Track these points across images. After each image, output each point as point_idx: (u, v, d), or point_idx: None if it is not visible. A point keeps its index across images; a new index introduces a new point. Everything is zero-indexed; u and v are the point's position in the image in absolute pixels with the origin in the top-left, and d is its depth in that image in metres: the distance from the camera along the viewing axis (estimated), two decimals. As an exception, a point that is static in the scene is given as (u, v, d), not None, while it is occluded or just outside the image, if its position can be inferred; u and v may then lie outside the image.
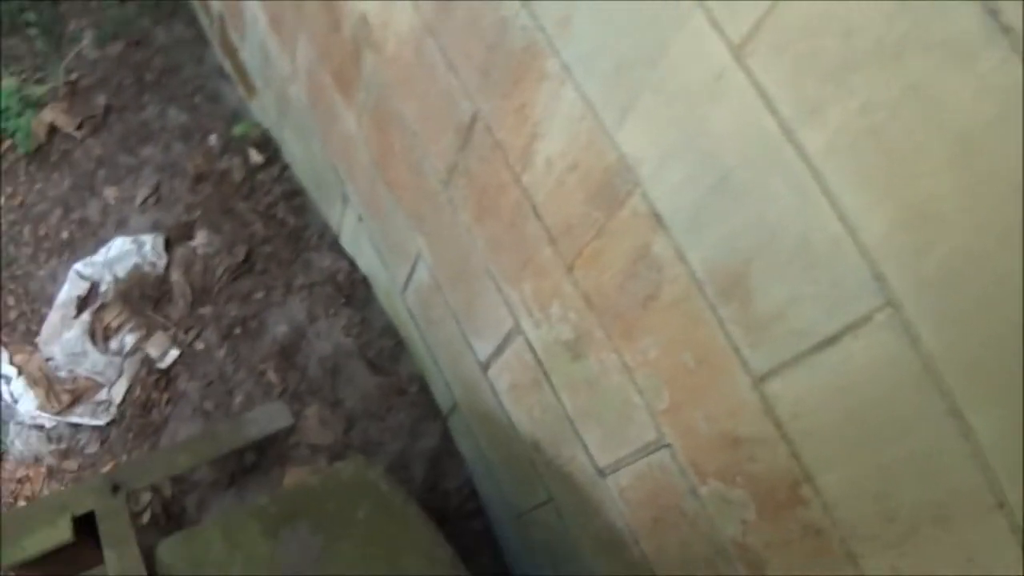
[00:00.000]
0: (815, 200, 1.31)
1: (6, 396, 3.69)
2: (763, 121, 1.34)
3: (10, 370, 3.72)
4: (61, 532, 2.80)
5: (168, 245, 3.87)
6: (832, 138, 1.25)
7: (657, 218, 1.68)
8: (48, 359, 3.72)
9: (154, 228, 3.94)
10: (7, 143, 4.18)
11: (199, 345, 3.69)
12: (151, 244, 3.83)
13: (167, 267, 3.81)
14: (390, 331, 3.63)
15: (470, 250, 2.54)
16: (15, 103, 4.08)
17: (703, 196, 1.53)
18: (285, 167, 3.99)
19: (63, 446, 3.63)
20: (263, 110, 3.96)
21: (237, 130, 4.07)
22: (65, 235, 4.03)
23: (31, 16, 4.36)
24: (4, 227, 4.06)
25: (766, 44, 1.29)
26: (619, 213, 1.80)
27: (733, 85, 1.37)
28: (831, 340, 1.39)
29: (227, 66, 4.22)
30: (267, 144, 4.04)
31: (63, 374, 3.70)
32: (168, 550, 2.66)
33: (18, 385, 3.69)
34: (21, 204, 4.12)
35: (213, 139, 4.09)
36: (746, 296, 1.53)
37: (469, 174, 2.36)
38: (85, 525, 2.84)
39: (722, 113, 1.42)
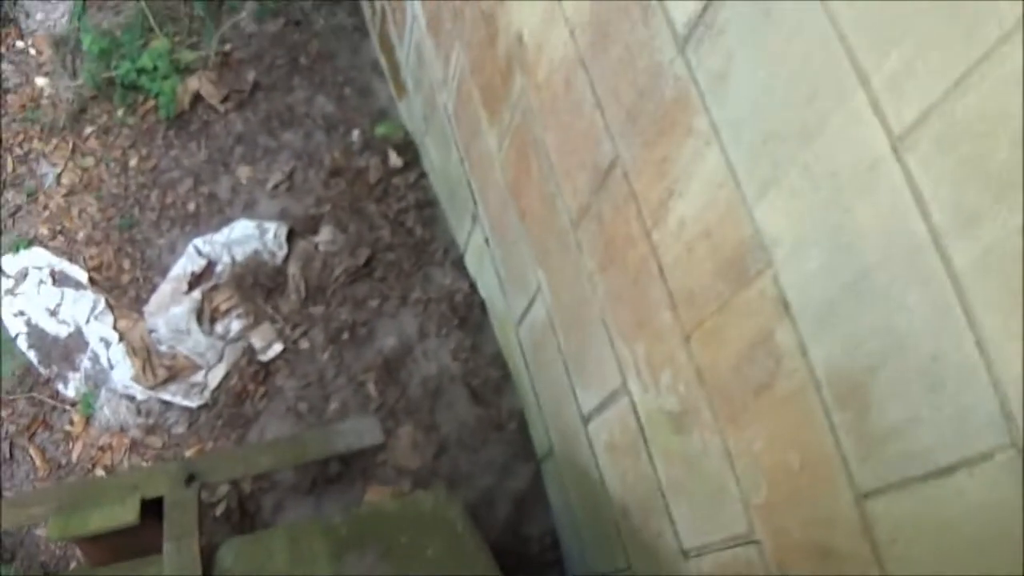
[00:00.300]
0: (953, 319, 1.20)
1: (103, 360, 3.67)
2: (912, 223, 1.23)
3: (112, 335, 3.70)
4: (128, 513, 2.77)
5: (291, 236, 3.79)
6: (983, 255, 1.13)
7: (785, 305, 1.57)
8: (151, 331, 3.69)
9: (281, 216, 3.87)
10: (150, 104, 4.14)
11: (304, 344, 3.61)
12: (274, 232, 3.76)
13: (286, 258, 3.74)
14: (498, 361, 3.50)
15: (590, 297, 2.41)
16: (164, 65, 4.03)
17: (836, 292, 1.42)
18: (422, 174, 3.87)
19: (151, 421, 3.60)
20: (410, 112, 3.84)
21: (380, 130, 3.96)
22: (191, 207, 3.99)
23: (196, -20, 4.29)
24: (133, 189, 4.05)
25: (928, 139, 1.17)
26: (746, 292, 1.67)
27: (886, 179, 1.26)
28: (945, 471, 1.28)
29: (382, 62, 4.11)
30: (408, 148, 3.92)
31: (163, 348, 3.66)
32: (230, 552, 2.61)
33: (117, 351, 3.66)
34: (153, 168, 4.10)
35: (355, 135, 4.00)
36: (864, 406, 1.42)
37: (600, 219, 2.23)
38: (153, 509, 2.80)
39: (869, 207, 1.31)
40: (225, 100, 4.11)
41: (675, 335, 1.98)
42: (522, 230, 2.79)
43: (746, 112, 1.53)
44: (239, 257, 3.76)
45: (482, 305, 3.59)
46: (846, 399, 1.46)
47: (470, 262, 3.62)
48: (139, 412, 3.62)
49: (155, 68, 4.03)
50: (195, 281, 3.77)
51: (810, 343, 1.53)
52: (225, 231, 3.82)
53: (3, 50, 4.38)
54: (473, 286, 3.63)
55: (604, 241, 2.23)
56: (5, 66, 4.33)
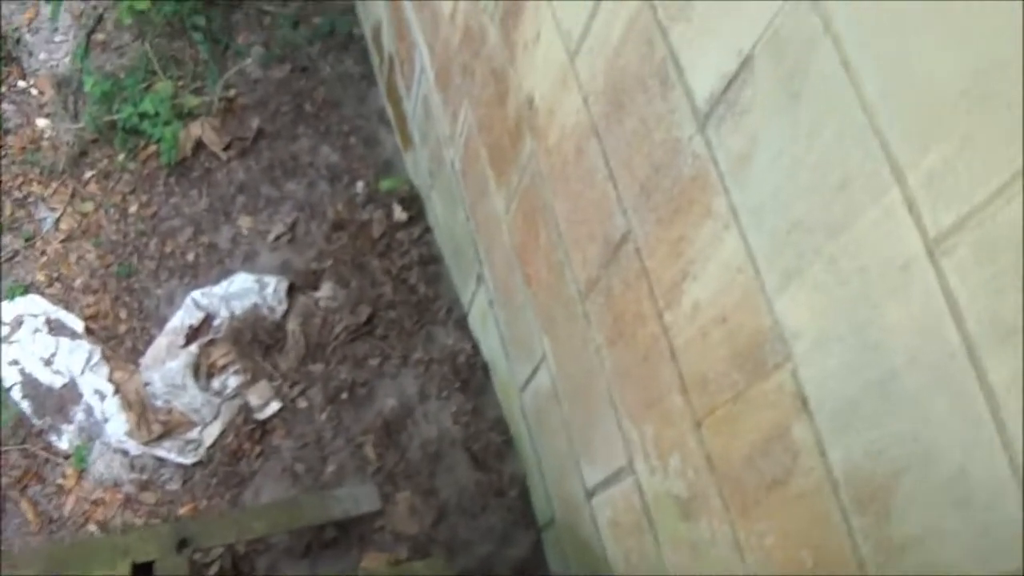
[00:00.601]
0: (985, 434, 1.11)
1: (97, 413, 3.58)
2: (945, 330, 1.15)
3: (107, 387, 3.60)
4: (117, 577, 2.65)
5: (291, 291, 3.70)
6: (1021, 373, 1.04)
7: (804, 401, 1.48)
8: (147, 384, 3.59)
9: (281, 269, 3.78)
10: (151, 149, 4.06)
11: (302, 403, 3.52)
12: (274, 287, 3.67)
13: (285, 314, 3.65)
14: (500, 426, 3.40)
15: (597, 371, 2.31)
16: (166, 110, 3.94)
17: (859, 392, 1.34)
18: (427, 230, 3.77)
19: (144, 477, 3.50)
20: (415, 165, 3.75)
21: (385, 184, 3.87)
22: (191, 257, 3.90)
23: (200, 21, 4.22)
24: (132, 236, 3.95)
25: (967, 246, 1.09)
26: (763, 384, 1.58)
27: (919, 281, 1.18)
28: (967, 588, 1.18)
29: (389, 111, 4.03)
30: (413, 202, 3.83)
31: (159, 403, 3.56)
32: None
33: (112, 404, 3.57)
34: (153, 215, 4.01)
35: (360, 186, 3.91)
36: (884, 512, 1.34)
37: (610, 293, 2.13)
38: (144, 573, 2.74)
39: (899, 308, 1.22)
40: (228, 147, 4.03)
41: (686, 420, 1.89)
42: (528, 296, 2.69)
43: (769, 198, 1.44)
44: (238, 311, 3.67)
45: (485, 367, 3.49)
46: (865, 503, 1.38)
47: (474, 322, 3.51)
48: (133, 467, 3.53)
49: (157, 113, 3.95)
50: (192, 335, 3.67)
51: (829, 442, 1.44)
52: (224, 284, 3.73)
53: (4, 90, 4.30)
54: (476, 347, 3.53)
55: (613, 316, 2.13)
56: (6, 106, 4.25)
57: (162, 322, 3.72)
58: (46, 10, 4.37)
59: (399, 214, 3.78)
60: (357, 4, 4.25)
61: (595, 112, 1.97)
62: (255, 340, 3.59)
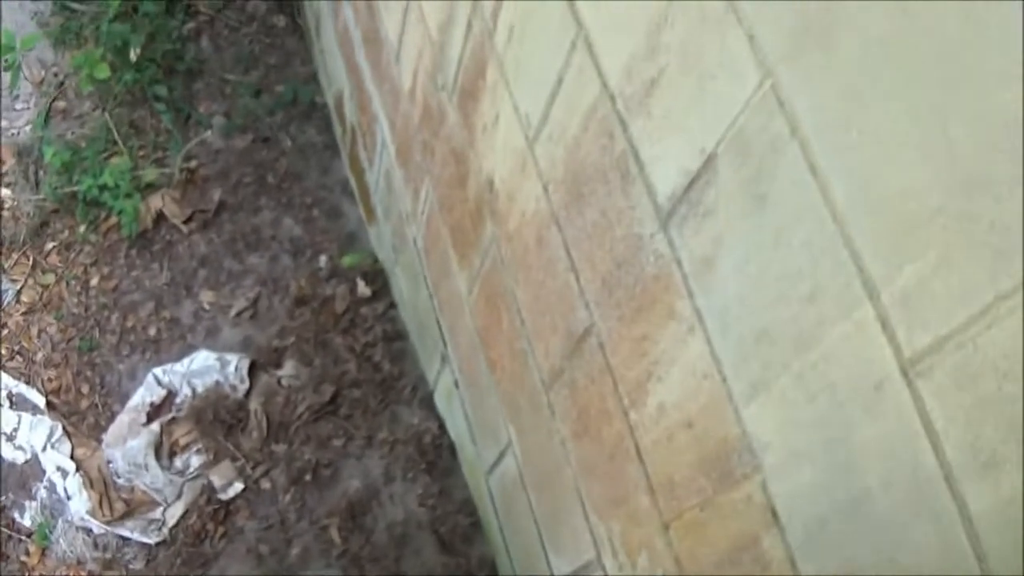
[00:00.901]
0: (967, 564, 1.03)
1: (60, 490, 3.49)
2: (921, 455, 1.07)
3: (69, 464, 3.52)
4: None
5: (253, 369, 3.61)
6: (1002, 505, 0.97)
7: (774, 514, 1.40)
8: (109, 462, 3.51)
9: (244, 346, 3.70)
10: (112, 220, 3.97)
11: (265, 484, 3.43)
12: (235, 365, 3.59)
13: (248, 393, 3.56)
14: (468, 508, 3.32)
15: (563, 463, 2.23)
16: (125, 183, 3.86)
17: (831, 510, 1.27)
18: (391, 305, 3.69)
19: (108, 555, 3.41)
20: (379, 239, 3.68)
21: (347, 260, 3.79)
22: (152, 332, 3.80)
23: (162, 90, 4.13)
24: (94, 309, 3.86)
25: (944, 370, 1.01)
26: (731, 493, 1.50)
27: (893, 402, 1.10)
28: None
29: (352, 183, 3.95)
30: (377, 276, 3.75)
31: (121, 481, 3.48)
32: None
33: (73, 482, 3.48)
34: (115, 288, 3.91)
35: (323, 260, 3.83)
36: None
37: (574, 386, 2.05)
38: None
39: (872, 428, 1.15)
40: (189, 220, 3.94)
41: (653, 520, 1.80)
42: (492, 381, 2.61)
43: (735, 304, 1.36)
44: (199, 389, 3.59)
45: (451, 447, 3.40)
46: (841, 619, 1.29)
47: (439, 401, 3.43)
48: (96, 546, 3.43)
49: (117, 185, 3.86)
50: (154, 412, 3.59)
51: (801, 558, 1.36)
52: (185, 362, 3.65)
53: None
54: (442, 427, 3.44)
55: (578, 410, 2.05)
56: None
57: (124, 398, 3.64)
58: (7, 77, 4.29)
59: (363, 289, 3.70)
60: (320, 72, 4.18)
61: (555, 201, 1.89)
62: (217, 419, 3.51)
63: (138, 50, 3.96)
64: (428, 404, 3.51)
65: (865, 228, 1.09)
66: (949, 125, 0.94)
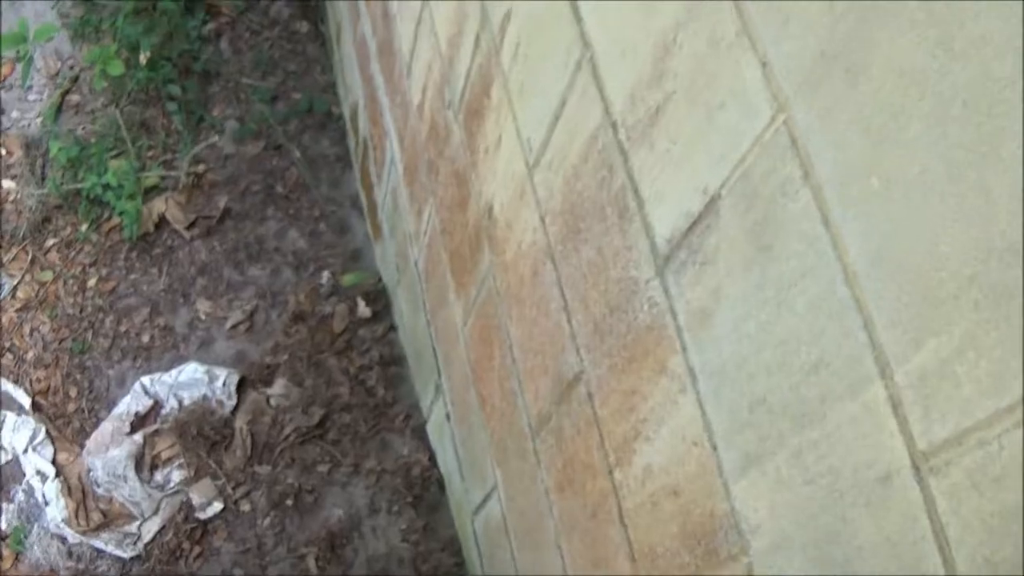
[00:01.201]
0: None
1: (38, 494, 3.40)
2: (928, 562, 0.91)
3: (49, 469, 3.43)
4: None
5: (242, 385, 3.48)
6: None
7: None
8: (89, 470, 3.39)
9: (236, 360, 3.58)
10: (115, 221, 3.87)
11: (245, 506, 3.30)
12: (224, 380, 3.46)
13: (234, 410, 3.44)
14: (452, 547, 3.17)
15: (546, 514, 2.08)
16: (129, 183, 3.74)
17: None
18: (391, 328, 3.55)
19: (81, 566, 3.30)
20: (384, 257, 3.54)
21: (348, 279, 3.65)
22: (145, 339, 3.70)
23: (175, 90, 4.02)
24: (89, 311, 3.76)
25: (964, 468, 0.86)
26: (715, 572, 1.35)
27: (900, 498, 0.95)
28: None
29: (362, 198, 3.81)
30: (379, 297, 3.61)
31: (100, 491, 3.37)
32: None
33: (52, 488, 3.38)
34: (112, 291, 3.81)
35: (325, 276, 3.69)
36: None
37: (560, 435, 1.90)
38: None
39: (874, 523, 0.99)
40: (192, 226, 3.82)
41: (637, 588, 1.64)
42: (481, 419, 2.46)
43: (730, 366, 1.20)
44: (186, 401, 3.47)
45: (440, 482, 3.24)
46: None
47: (432, 432, 3.27)
48: (70, 555, 3.33)
49: (120, 186, 3.75)
50: (138, 422, 3.48)
51: (794, 649, 1.19)
52: (174, 372, 3.53)
53: None
54: (433, 459, 3.29)
55: (563, 460, 1.89)
56: None
57: (111, 404, 3.54)
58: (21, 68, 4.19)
59: (363, 309, 3.56)
60: (338, 82, 4.05)
61: (552, 234, 1.74)
62: (201, 435, 3.38)
63: (151, 47, 3.84)
64: (420, 434, 3.36)
65: (881, 293, 0.93)
66: (989, 178, 0.78)
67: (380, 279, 3.65)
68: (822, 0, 0.95)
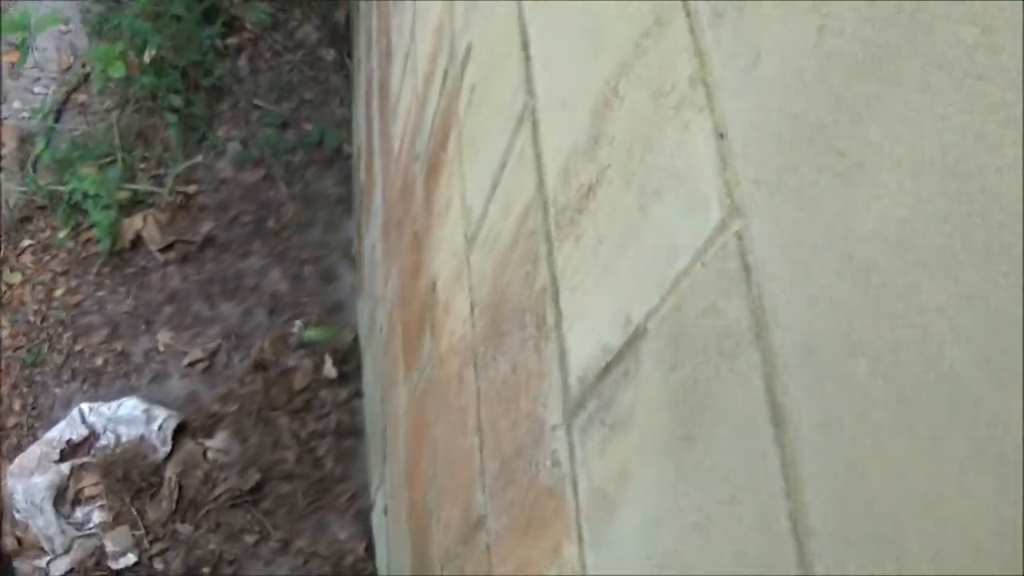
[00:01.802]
0: None
1: None
2: None
3: None
4: None
5: (180, 431, 3.17)
6: None
7: None
8: (12, 493, 3.19)
9: (186, 401, 3.30)
10: (93, 232, 3.59)
11: (159, 564, 3.02)
12: (161, 423, 3.18)
13: (168, 457, 3.14)
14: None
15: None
16: (107, 193, 3.45)
17: None
18: (356, 394, 3.18)
19: None
20: (363, 315, 3.17)
21: (310, 333, 3.30)
22: (99, 362, 3.45)
23: (178, 101, 3.72)
24: (50, 322, 3.53)
25: None
26: None
27: None
28: None
29: (355, 247, 3.45)
30: (350, 357, 3.25)
31: (19, 516, 3.16)
32: None
33: None
34: (76, 304, 3.56)
35: (297, 326, 3.36)
36: None
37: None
38: None
39: None
40: (168, 248, 3.53)
41: None
42: (408, 527, 2.08)
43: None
44: (123, 437, 3.20)
45: (372, 576, 2.85)
46: None
47: (375, 520, 2.88)
48: (-21, 571, 3.09)
49: (96, 195, 3.46)
50: (70, 451, 3.23)
51: None
52: (113, 405, 3.26)
53: None
54: (371, 551, 2.90)
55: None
56: None
57: (51, 424, 3.31)
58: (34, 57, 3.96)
59: (329, 368, 3.21)
60: (353, 118, 3.72)
61: (478, 330, 1.36)
62: (127, 478, 3.11)
63: (156, 49, 3.55)
64: (363, 520, 2.98)
65: (832, 538, 0.56)
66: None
67: (356, 338, 3.29)
68: (812, 19, 0.59)
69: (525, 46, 1.13)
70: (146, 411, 3.19)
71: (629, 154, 0.82)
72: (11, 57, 4.01)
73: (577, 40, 0.95)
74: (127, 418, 3.21)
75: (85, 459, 3.20)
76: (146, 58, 3.57)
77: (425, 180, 1.80)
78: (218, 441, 3.13)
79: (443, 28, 1.64)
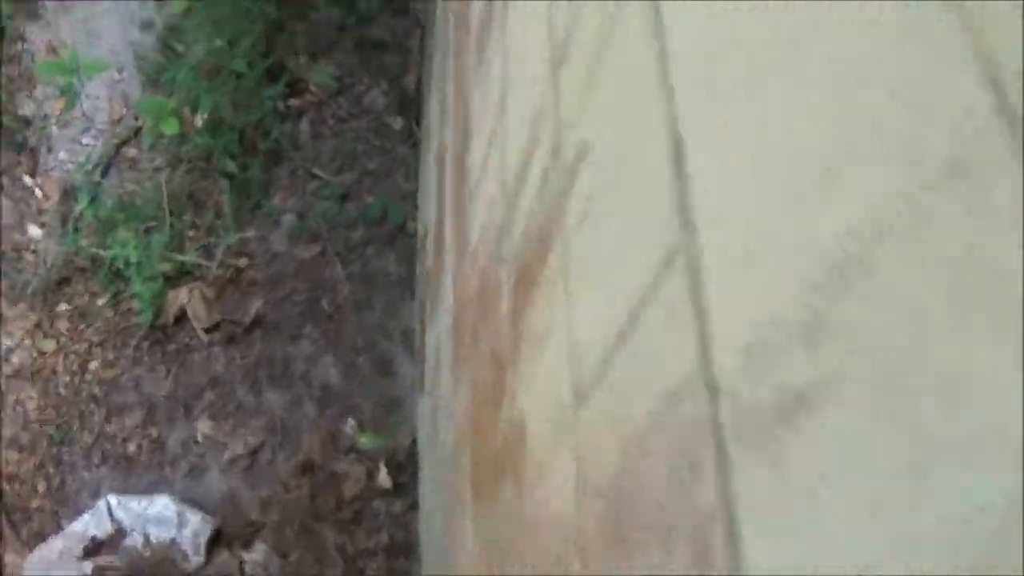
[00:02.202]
0: None
1: None
2: None
3: None
4: None
5: (216, 539, 2.89)
6: None
7: None
8: None
9: (226, 499, 3.02)
10: (135, 302, 3.36)
11: None
12: (193, 530, 2.91)
13: (202, 568, 2.86)
14: None
15: None
16: (151, 263, 3.19)
17: None
18: (412, 506, 2.85)
19: None
20: (424, 417, 2.83)
21: (365, 440, 2.99)
22: (132, 447, 3.20)
23: (232, 165, 3.45)
24: (83, 396, 3.30)
25: None
26: None
27: None
28: None
29: (417, 336, 3.12)
30: (407, 464, 2.93)
31: None
32: None
33: None
34: (112, 380, 3.32)
35: (349, 424, 3.05)
36: None
37: None
38: None
39: None
40: (214, 329, 3.25)
41: None
42: None
43: None
44: (152, 538, 2.93)
45: None
46: None
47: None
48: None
49: (140, 262, 3.21)
50: (94, 548, 2.96)
51: None
52: (144, 502, 3.00)
53: (6, 181, 3.65)
54: None
55: None
56: (4, 201, 3.63)
57: (77, 512, 3.08)
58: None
59: (383, 478, 2.90)
60: (420, 193, 3.42)
61: (588, 518, 1.00)
62: None
63: (210, 108, 3.30)
64: (411, 655, 2.66)
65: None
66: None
67: (414, 441, 2.95)
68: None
69: (678, 154, 0.80)
70: (179, 513, 2.93)
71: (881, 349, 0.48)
72: (59, 103, 3.80)
73: (779, 156, 0.61)
74: (158, 518, 2.95)
75: (110, 559, 2.94)
76: (198, 121, 3.31)
77: (513, 292, 1.46)
78: (257, 553, 2.84)
79: (544, 114, 1.31)
